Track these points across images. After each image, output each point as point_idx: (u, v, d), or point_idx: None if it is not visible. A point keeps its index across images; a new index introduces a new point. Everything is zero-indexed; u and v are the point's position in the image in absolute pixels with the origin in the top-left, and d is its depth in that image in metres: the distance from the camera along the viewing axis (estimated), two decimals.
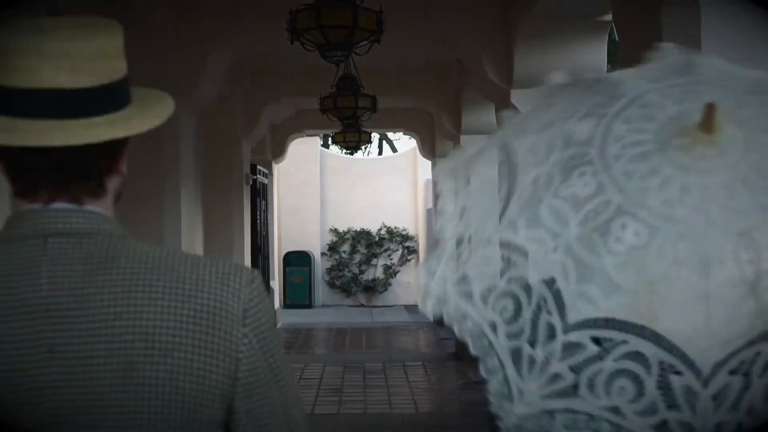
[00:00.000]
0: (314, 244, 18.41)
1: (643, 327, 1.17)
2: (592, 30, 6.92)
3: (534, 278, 1.23)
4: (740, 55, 3.37)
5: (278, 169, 16.51)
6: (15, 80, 1.10)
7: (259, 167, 12.89)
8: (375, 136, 24.24)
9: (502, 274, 1.27)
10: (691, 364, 1.14)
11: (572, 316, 1.19)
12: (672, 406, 1.15)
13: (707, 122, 1.19)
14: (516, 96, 7.21)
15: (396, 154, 25.10)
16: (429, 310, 1.33)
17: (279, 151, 15.08)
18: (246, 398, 1.18)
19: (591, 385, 1.17)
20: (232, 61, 8.10)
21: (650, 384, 1.15)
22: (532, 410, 1.21)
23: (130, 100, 1.21)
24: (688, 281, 1.17)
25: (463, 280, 1.30)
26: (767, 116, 1.25)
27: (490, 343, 1.25)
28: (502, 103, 7.44)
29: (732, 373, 1.14)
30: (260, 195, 13.18)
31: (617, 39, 4.80)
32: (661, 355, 1.16)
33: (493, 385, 1.24)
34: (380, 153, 31.37)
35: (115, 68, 1.18)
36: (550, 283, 1.21)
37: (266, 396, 1.20)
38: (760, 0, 3.37)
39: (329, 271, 18.69)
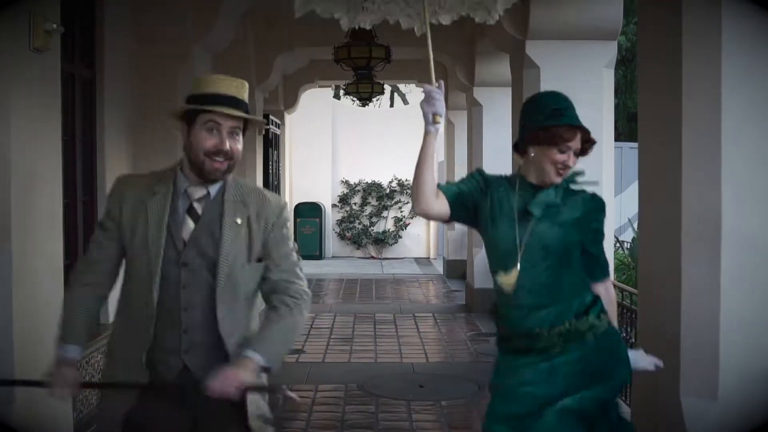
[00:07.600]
0: (325, 196, 18.46)
1: None
2: None
3: None
4: None
5: (290, 119, 16.48)
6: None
7: (271, 117, 12.86)
8: (387, 88, 24.11)
9: None
10: None
11: None
12: None
13: None
14: (531, 47, 7.10)
15: (408, 106, 25.00)
16: None
17: (291, 102, 15.05)
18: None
19: None
20: (246, 8, 8.03)
21: None
22: None
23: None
24: None
25: None
26: None
27: None
28: (517, 54, 7.36)
29: None
30: (272, 145, 13.18)
31: None
32: None
33: None
34: (391, 106, 31.22)
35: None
36: None
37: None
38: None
39: (340, 222, 18.76)
